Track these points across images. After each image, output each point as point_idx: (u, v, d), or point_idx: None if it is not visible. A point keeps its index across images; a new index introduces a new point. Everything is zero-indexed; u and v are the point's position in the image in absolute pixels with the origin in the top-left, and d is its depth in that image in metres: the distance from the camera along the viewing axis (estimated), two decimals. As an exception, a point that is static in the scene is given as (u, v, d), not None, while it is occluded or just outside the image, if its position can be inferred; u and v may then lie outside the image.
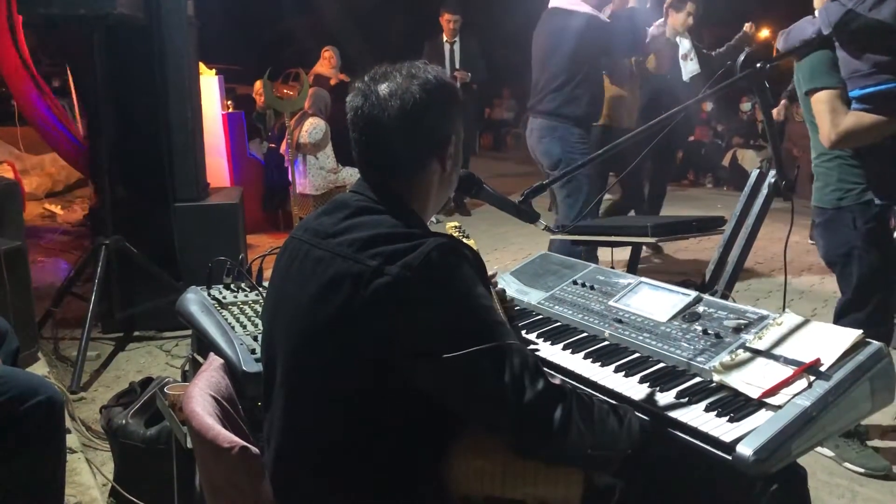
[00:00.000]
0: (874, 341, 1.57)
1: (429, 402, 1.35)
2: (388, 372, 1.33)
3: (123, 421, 2.63)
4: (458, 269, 1.35)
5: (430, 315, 1.31)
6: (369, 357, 1.34)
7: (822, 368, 1.53)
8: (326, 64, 8.55)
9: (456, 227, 2.04)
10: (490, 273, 2.10)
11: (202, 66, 5.89)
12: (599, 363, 1.82)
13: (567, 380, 1.76)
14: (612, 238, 2.83)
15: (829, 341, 1.59)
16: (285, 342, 1.47)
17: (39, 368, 3.57)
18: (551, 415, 1.30)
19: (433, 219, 2.29)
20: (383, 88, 1.45)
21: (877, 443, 3.17)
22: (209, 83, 6.17)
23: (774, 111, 7.21)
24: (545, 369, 1.39)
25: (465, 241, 1.75)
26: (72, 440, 2.94)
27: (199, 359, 2.19)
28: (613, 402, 1.55)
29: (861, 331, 1.58)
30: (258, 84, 9.38)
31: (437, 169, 1.51)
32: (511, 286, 2.30)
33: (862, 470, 2.95)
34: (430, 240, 1.35)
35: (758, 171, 2.32)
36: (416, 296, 1.31)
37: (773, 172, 2.23)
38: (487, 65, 8.10)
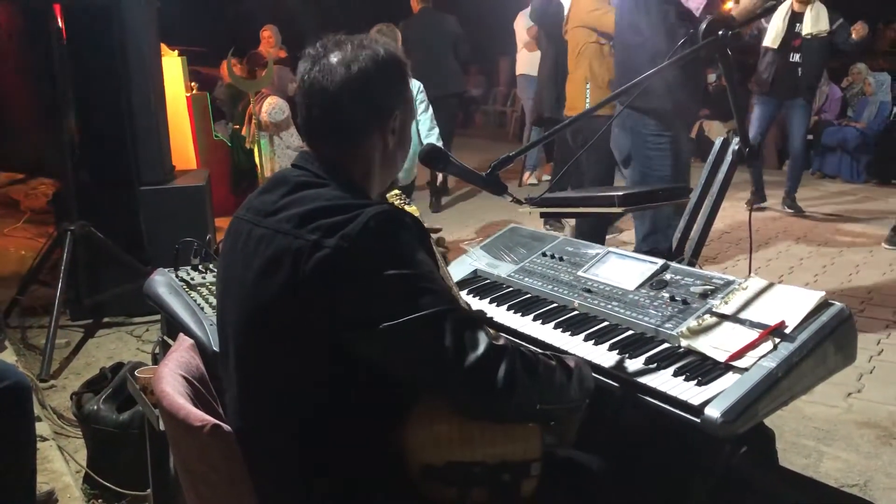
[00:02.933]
0: (836, 302, 1.60)
1: (378, 373, 1.35)
2: (334, 346, 1.32)
3: (95, 407, 2.61)
4: (396, 236, 1.34)
5: (369, 284, 1.30)
6: (315, 332, 1.33)
7: (787, 330, 1.56)
8: (265, 44, 8.45)
9: (397, 194, 2.03)
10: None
11: (164, 48, 5.78)
12: (569, 332, 1.83)
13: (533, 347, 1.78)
14: (580, 210, 2.84)
15: (793, 304, 1.62)
16: (234, 323, 1.46)
17: (7, 357, 3.52)
18: (494, 374, 1.29)
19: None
20: (333, 56, 1.46)
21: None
22: (172, 65, 6.07)
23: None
24: (490, 329, 1.39)
25: (406, 208, 1.75)
26: (43, 428, 2.91)
27: (170, 342, 2.18)
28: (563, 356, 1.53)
29: (823, 292, 1.61)
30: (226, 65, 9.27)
31: (378, 143, 1.50)
32: (481, 260, 2.31)
33: None
34: (369, 209, 1.34)
35: (722, 139, 2.35)
36: (355, 266, 1.30)
37: (736, 140, 2.26)
38: None
